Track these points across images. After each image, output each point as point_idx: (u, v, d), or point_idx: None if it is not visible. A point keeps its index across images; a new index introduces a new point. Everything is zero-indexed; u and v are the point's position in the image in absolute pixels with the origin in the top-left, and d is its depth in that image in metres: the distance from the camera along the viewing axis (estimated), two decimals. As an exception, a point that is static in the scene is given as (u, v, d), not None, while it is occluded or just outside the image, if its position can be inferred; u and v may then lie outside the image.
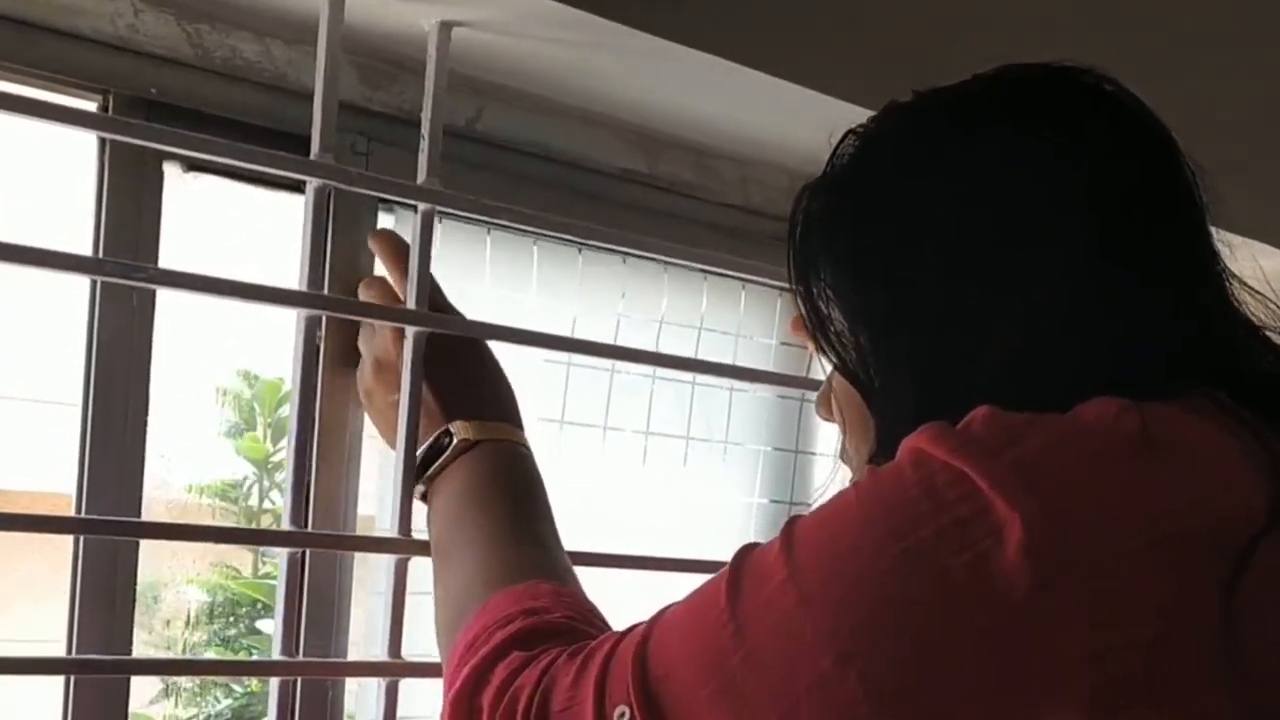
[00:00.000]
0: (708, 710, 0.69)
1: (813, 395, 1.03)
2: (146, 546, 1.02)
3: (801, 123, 1.16)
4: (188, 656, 3.96)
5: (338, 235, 1.06)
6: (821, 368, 0.86)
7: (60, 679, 0.98)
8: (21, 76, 0.96)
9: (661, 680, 0.71)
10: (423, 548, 1.00)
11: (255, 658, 3.22)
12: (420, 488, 1.01)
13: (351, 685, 1.09)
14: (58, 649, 0.98)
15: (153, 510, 1.04)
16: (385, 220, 1.12)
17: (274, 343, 1.02)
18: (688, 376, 1.29)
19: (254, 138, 1.01)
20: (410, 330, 1.00)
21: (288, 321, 1.00)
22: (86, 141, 0.99)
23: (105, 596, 0.99)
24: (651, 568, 1.16)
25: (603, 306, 1.25)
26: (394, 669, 1.02)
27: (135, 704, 1.04)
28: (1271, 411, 0.74)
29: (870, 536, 0.67)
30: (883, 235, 0.78)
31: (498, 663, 0.81)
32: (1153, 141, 0.78)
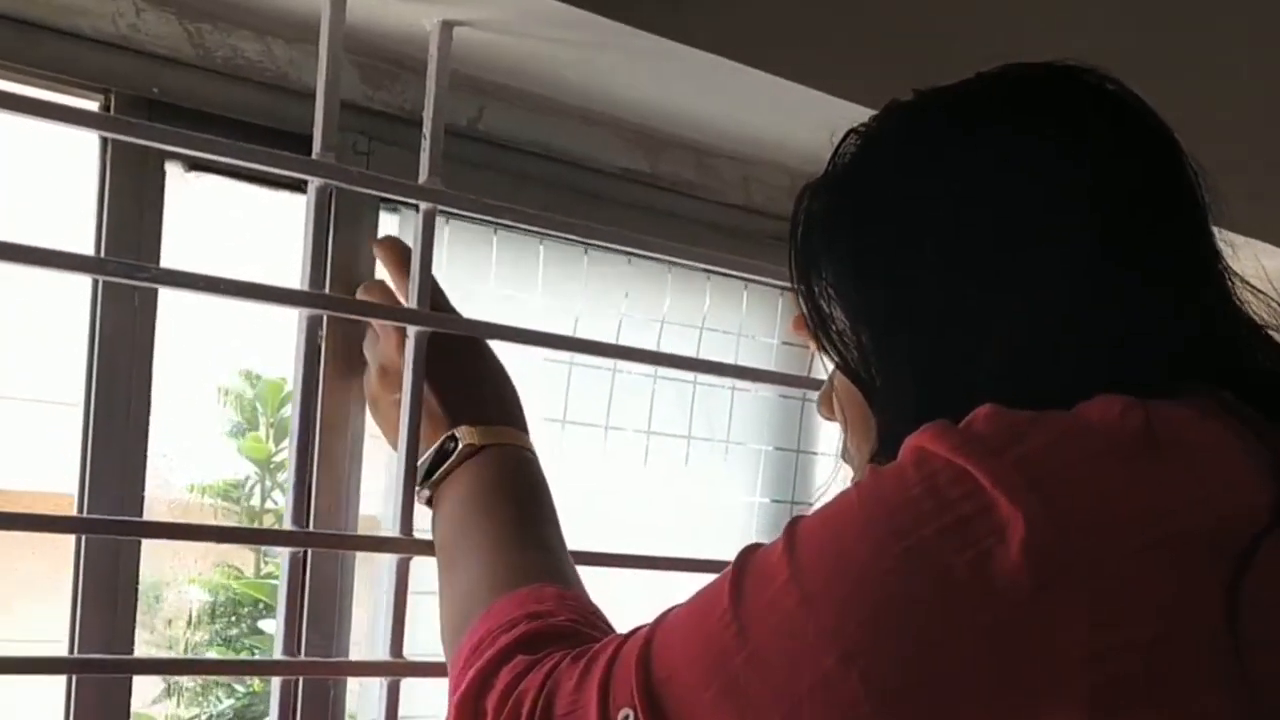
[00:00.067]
0: (711, 711, 0.69)
1: (814, 395, 1.03)
2: (148, 546, 1.02)
3: (802, 122, 1.16)
4: (189, 656, 3.96)
5: (339, 235, 1.06)
6: (823, 367, 0.86)
7: (62, 679, 0.98)
8: (23, 76, 0.96)
9: (665, 682, 0.71)
10: (424, 547, 1.00)
11: (257, 657, 3.22)
12: (425, 493, 1.01)
13: (353, 685, 1.09)
14: (59, 649, 0.98)
15: (154, 510, 1.04)
16: (387, 220, 1.12)
17: (276, 343, 1.02)
18: (689, 376, 1.29)
19: (256, 137, 1.01)
20: (412, 330, 1.00)
21: (290, 321, 1.00)
22: (88, 141, 0.99)
23: (107, 596, 0.99)
24: (653, 567, 1.16)
25: (606, 306, 1.25)
26: (396, 669, 1.02)
27: (137, 704, 1.04)
28: (1274, 411, 0.74)
29: (872, 535, 0.67)
30: (884, 234, 0.78)
31: (502, 666, 0.81)
32: (1155, 141, 0.78)
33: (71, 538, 0.98)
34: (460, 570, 0.94)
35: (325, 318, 1.01)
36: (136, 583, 1.01)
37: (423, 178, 1.02)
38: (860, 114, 0.84)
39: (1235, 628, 0.66)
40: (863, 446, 0.84)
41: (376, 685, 1.03)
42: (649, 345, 1.24)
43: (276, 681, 1.00)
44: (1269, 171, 1.40)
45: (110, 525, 0.98)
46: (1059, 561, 0.64)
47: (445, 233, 1.02)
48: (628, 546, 1.15)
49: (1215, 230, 0.79)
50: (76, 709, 0.98)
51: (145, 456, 1.01)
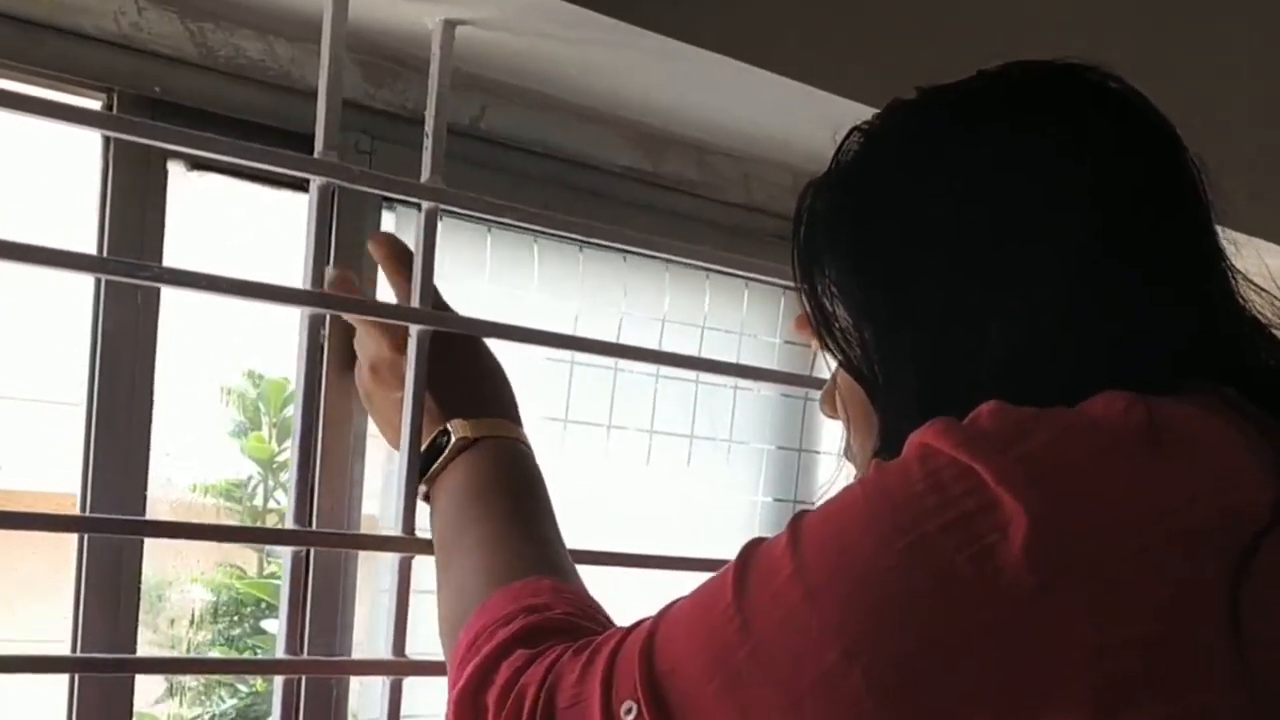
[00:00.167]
0: (714, 705, 0.69)
1: (816, 394, 1.03)
2: (151, 546, 1.02)
3: (804, 120, 1.16)
4: (191, 655, 3.96)
5: (341, 233, 1.06)
6: (826, 365, 0.86)
7: (64, 679, 0.98)
8: (26, 75, 0.96)
9: (668, 675, 0.71)
10: (426, 546, 1.00)
11: (259, 656, 3.22)
12: (422, 488, 1.01)
13: (355, 684, 1.09)
14: (61, 649, 0.98)
15: (157, 510, 1.04)
16: (388, 218, 1.12)
17: (279, 342, 1.02)
18: (691, 375, 1.29)
19: (258, 136, 1.01)
20: (414, 329, 1.00)
21: (293, 321, 1.00)
22: (91, 140, 0.99)
23: (109, 595, 0.99)
24: (655, 567, 1.16)
25: (604, 304, 1.25)
26: (398, 667, 1.02)
27: (140, 703, 1.04)
28: (1277, 408, 0.74)
29: (876, 531, 0.67)
30: (887, 232, 0.78)
31: (501, 661, 0.81)
32: (1157, 138, 0.78)
33: (73, 537, 0.98)
34: (457, 564, 0.94)
35: (327, 317, 1.01)
36: (139, 582, 1.01)
37: (425, 176, 1.02)
38: (861, 112, 0.84)
39: (1237, 626, 0.65)
40: (865, 444, 0.83)
41: (378, 684, 1.03)
42: (649, 344, 1.24)
43: (279, 680, 1.00)
44: (1271, 170, 1.40)
45: (112, 524, 0.98)
46: (1061, 558, 0.64)
47: (439, 230, 1.02)
48: (630, 546, 1.15)
49: (1218, 228, 0.79)
50: (79, 709, 0.98)
51: (148, 456, 1.01)
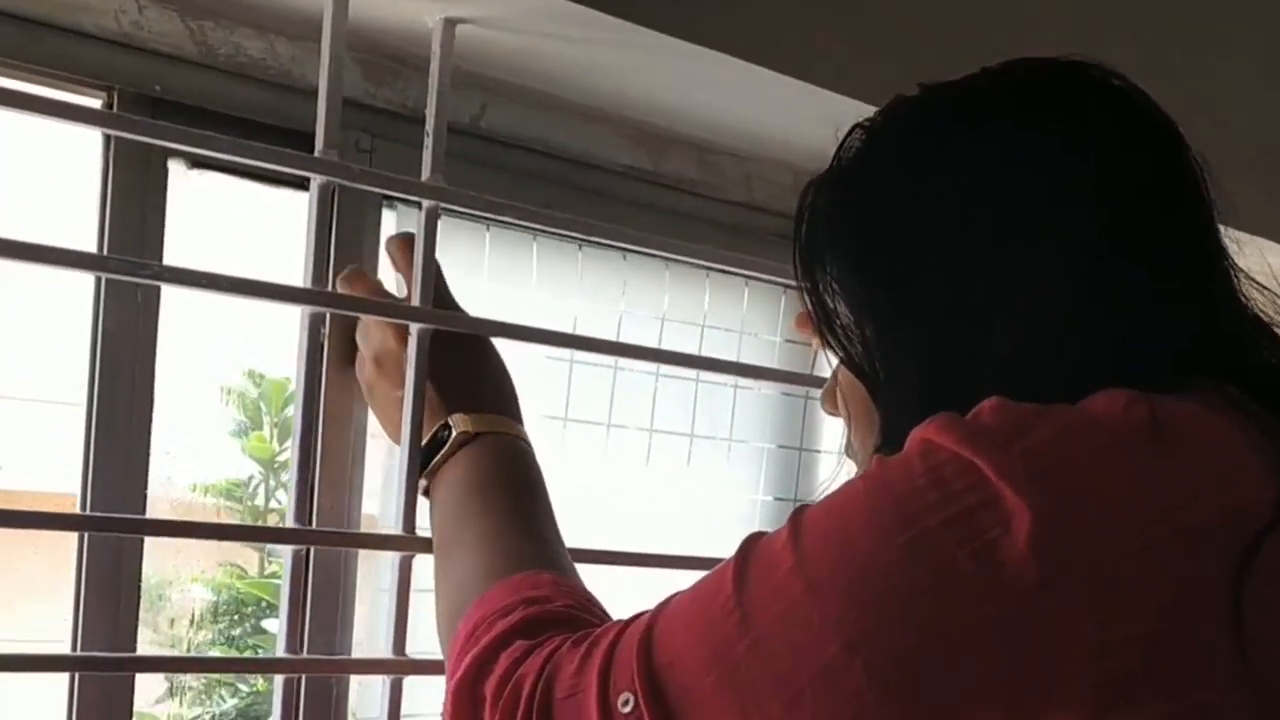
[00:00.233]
0: (712, 698, 0.69)
1: (817, 393, 1.03)
2: (151, 545, 1.02)
3: (805, 119, 1.16)
4: (191, 654, 3.96)
5: (342, 232, 1.06)
6: (827, 363, 0.86)
7: (64, 679, 0.98)
8: (26, 74, 0.96)
9: (666, 668, 0.71)
10: (426, 545, 1.00)
11: (259, 655, 3.22)
12: (422, 482, 1.01)
13: (355, 683, 1.09)
14: (62, 648, 0.98)
15: (157, 509, 1.04)
16: (388, 217, 1.12)
17: (280, 342, 1.02)
18: (691, 374, 1.29)
19: (258, 134, 1.01)
20: (415, 327, 1.00)
21: (294, 320, 1.00)
22: (91, 139, 0.99)
23: (109, 595, 0.99)
24: (655, 566, 1.16)
25: (604, 303, 1.25)
26: (398, 666, 1.02)
27: (141, 703, 1.04)
28: (1279, 406, 0.74)
29: (877, 525, 0.67)
30: (888, 229, 0.78)
31: (500, 651, 0.81)
32: (1160, 136, 0.78)
33: (73, 537, 0.98)
34: (456, 558, 0.94)
35: (328, 315, 1.01)
36: (139, 581, 1.01)
37: (425, 175, 1.02)
38: (863, 111, 0.84)
39: (1239, 624, 0.65)
40: (866, 442, 0.83)
41: (378, 683, 1.03)
42: (649, 343, 1.24)
43: (279, 679, 1.00)
44: (1274, 168, 1.40)
45: (111, 523, 0.98)
46: (1064, 555, 0.64)
47: (439, 228, 1.02)
48: (630, 545, 1.15)
49: (1220, 227, 0.79)
50: (79, 709, 0.98)
51: (148, 455, 1.01)
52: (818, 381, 1.23)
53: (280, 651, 1.00)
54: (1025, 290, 0.74)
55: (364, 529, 1.09)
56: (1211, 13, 1.41)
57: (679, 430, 1.31)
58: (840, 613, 0.66)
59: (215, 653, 4.43)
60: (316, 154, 0.97)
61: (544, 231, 1.18)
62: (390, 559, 1.02)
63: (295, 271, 0.98)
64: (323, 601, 1.05)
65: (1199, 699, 0.65)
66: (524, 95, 1.15)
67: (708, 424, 1.33)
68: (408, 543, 1.01)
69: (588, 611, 0.86)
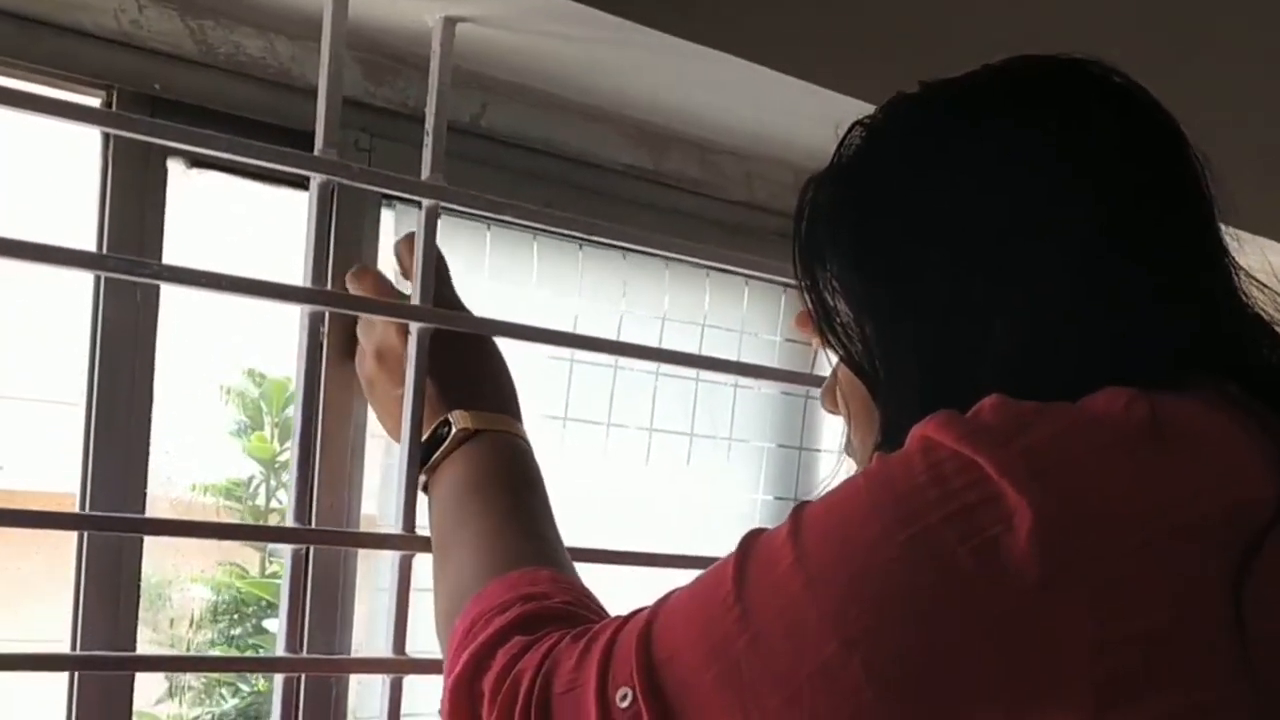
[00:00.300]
0: (711, 694, 0.69)
1: (817, 392, 1.03)
2: (151, 544, 1.02)
3: (806, 118, 1.16)
4: (191, 653, 3.96)
5: (341, 231, 1.05)
6: (827, 361, 0.86)
7: (64, 678, 0.98)
8: (25, 72, 0.96)
9: (666, 663, 0.71)
10: (426, 544, 1.00)
11: (259, 655, 3.22)
12: (421, 478, 1.01)
13: (354, 682, 1.09)
14: (62, 648, 0.98)
15: (157, 509, 1.04)
16: (387, 216, 1.12)
17: (281, 341, 1.02)
18: (691, 373, 1.29)
19: (258, 133, 1.01)
20: (415, 326, 1.00)
21: (294, 319, 1.00)
22: (90, 138, 0.99)
23: (109, 594, 0.99)
24: (655, 565, 1.16)
25: (604, 302, 1.25)
26: (398, 665, 1.02)
27: (141, 703, 1.04)
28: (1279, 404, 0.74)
29: (878, 522, 0.67)
30: (888, 226, 0.78)
31: (498, 648, 0.81)
32: (1161, 134, 0.78)
33: (73, 536, 0.98)
34: (454, 555, 0.94)
35: (327, 314, 1.01)
36: (139, 581, 1.01)
37: (425, 174, 1.02)
38: (864, 110, 0.84)
39: (1239, 623, 0.65)
40: (866, 440, 0.83)
41: (378, 682, 1.03)
42: (649, 342, 1.24)
43: (279, 679, 1.00)
44: (1274, 167, 1.40)
45: (111, 522, 0.98)
46: (1064, 553, 0.64)
47: (439, 227, 1.02)
48: (630, 544, 1.15)
49: (1221, 225, 0.79)
50: (79, 708, 0.98)
51: (147, 455, 1.01)
52: (818, 380, 1.23)
53: (280, 651, 0.99)
54: (1025, 288, 0.74)
55: (363, 528, 1.09)
56: (1211, 13, 1.41)
57: (679, 429, 1.31)
58: (839, 609, 0.66)
59: (216, 652, 4.43)
60: (316, 153, 0.97)
61: (544, 231, 1.18)
62: (390, 558, 1.02)
63: (295, 271, 0.98)
64: (322, 601, 1.05)
65: (1199, 697, 0.65)
66: (524, 94, 1.15)
67: (708, 423, 1.33)
68: (407, 542, 1.01)
69: (586, 608, 0.86)
